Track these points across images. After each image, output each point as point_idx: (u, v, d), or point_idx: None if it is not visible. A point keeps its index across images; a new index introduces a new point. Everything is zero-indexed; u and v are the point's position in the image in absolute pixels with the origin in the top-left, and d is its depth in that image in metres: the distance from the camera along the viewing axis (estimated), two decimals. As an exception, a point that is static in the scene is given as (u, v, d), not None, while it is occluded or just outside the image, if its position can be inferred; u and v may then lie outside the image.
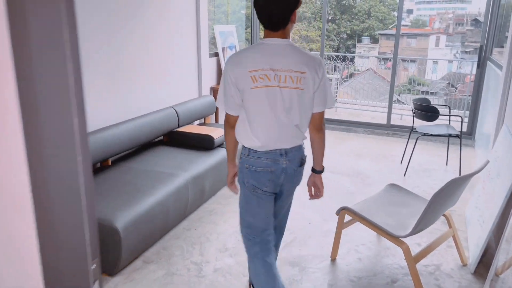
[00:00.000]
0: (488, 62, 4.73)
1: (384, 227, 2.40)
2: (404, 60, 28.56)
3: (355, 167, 4.30)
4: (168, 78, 3.95)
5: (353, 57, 29.72)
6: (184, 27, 4.13)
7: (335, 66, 8.82)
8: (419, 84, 20.91)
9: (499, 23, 4.67)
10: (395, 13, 31.34)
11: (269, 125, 1.83)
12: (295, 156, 1.92)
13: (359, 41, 28.88)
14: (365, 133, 5.47)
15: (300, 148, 1.94)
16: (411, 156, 4.17)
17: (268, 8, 1.74)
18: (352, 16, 28.78)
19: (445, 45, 29.51)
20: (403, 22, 38.03)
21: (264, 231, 1.99)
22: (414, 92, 16.85)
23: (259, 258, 1.96)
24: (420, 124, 4.30)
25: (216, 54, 4.80)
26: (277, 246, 2.24)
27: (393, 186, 2.95)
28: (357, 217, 2.53)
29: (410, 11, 45.29)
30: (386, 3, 30.11)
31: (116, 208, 2.46)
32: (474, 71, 5.30)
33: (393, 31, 29.54)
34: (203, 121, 4.45)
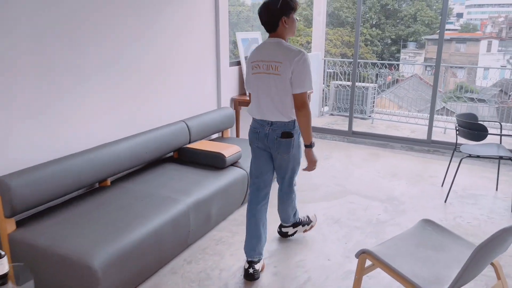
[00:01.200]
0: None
1: (412, 280, 1.91)
2: (453, 67, 27.12)
3: (388, 190, 3.78)
4: (182, 90, 3.62)
5: (398, 64, 28.63)
6: (202, 33, 3.80)
7: (377, 73, 8.20)
8: (468, 91, 19.64)
9: None
10: (443, 17, 29.82)
11: (259, 101, 2.39)
12: (278, 128, 2.36)
13: (404, 46, 27.68)
14: (403, 149, 4.90)
15: (285, 124, 2.36)
16: (453, 179, 3.59)
17: (260, 17, 2.37)
18: (398, 21, 27.66)
19: (498, 50, 27.71)
20: (452, 27, 36.27)
21: (257, 177, 2.54)
22: (462, 99, 15.78)
23: (250, 204, 2.56)
24: (466, 142, 3.72)
25: (238, 63, 4.43)
26: (283, 200, 2.75)
27: (427, 222, 2.44)
28: (380, 263, 2.06)
29: (460, 15, 43.14)
30: (434, 7, 28.74)
31: (97, 242, 2.13)
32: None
33: (440, 36, 28.11)
34: (221, 135, 4.09)
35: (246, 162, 3.35)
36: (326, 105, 6.90)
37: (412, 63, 28.72)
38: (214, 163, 3.22)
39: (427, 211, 3.37)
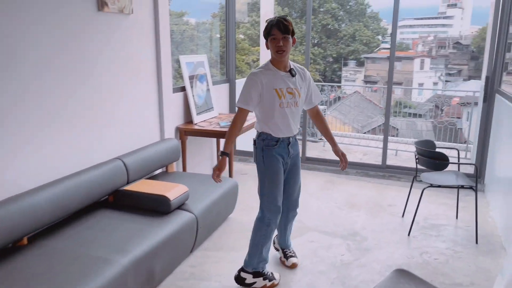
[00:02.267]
0: (497, 95, 4.03)
1: None
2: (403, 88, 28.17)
3: (349, 224, 3.50)
4: (118, 122, 3.15)
5: (340, 81, 29.41)
6: (140, 59, 3.36)
7: (321, 88, 8.02)
8: (406, 106, 20.40)
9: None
10: (380, 37, 31.22)
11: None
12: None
13: (345, 64, 28.54)
14: (358, 174, 4.69)
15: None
16: (416, 211, 3.37)
17: None
18: (338, 40, 28.50)
19: (430, 68, 29.31)
20: (385, 45, 38.04)
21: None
22: (401, 114, 16.31)
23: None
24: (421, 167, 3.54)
25: (183, 89, 4.02)
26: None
27: (401, 273, 2.14)
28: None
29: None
30: (371, 27, 29.98)
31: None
32: (457, 94, 4.58)
33: (378, 55, 29.30)
34: (165, 169, 3.63)
35: (194, 203, 2.93)
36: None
37: (353, 83, 29.62)
38: (157, 207, 2.76)
39: (392, 247, 3.11)
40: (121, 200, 2.87)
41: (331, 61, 28.51)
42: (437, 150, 3.37)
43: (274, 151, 2.49)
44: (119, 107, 3.14)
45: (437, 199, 4.03)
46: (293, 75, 2.46)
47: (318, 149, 5.97)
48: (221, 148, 2.59)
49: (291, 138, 2.55)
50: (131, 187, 2.90)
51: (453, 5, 45.42)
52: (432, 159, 3.25)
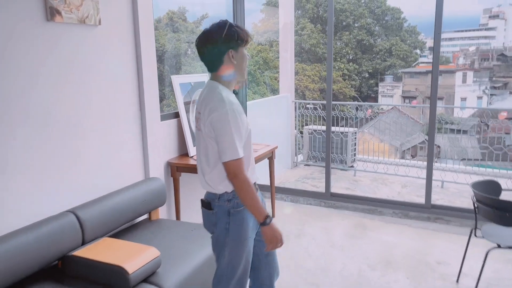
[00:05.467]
0: None
1: None
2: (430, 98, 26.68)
3: (382, 292, 2.58)
4: (82, 162, 2.42)
5: (377, 97, 28.09)
6: (116, 78, 2.65)
7: (357, 107, 7.08)
8: (447, 122, 18.91)
9: None
10: (418, 51, 29.75)
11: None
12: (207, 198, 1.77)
13: (382, 79, 27.26)
14: (396, 215, 3.74)
15: (210, 194, 1.75)
16: (478, 280, 2.41)
17: (199, 50, 1.72)
18: (373, 55, 27.36)
19: (473, 81, 27.46)
20: (425, 60, 36.37)
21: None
22: (442, 131, 14.93)
23: None
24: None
25: (176, 115, 3.27)
26: None
27: None
28: None
29: (431, 49, 43.53)
30: (408, 41, 28.63)
31: None
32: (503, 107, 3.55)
33: (416, 69, 27.81)
34: (148, 217, 2.87)
35: (169, 271, 2.13)
36: (300, 153, 5.77)
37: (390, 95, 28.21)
38: (112, 281, 1.98)
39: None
40: (69, 268, 2.12)
41: (367, 76, 27.33)
42: (503, 191, 2.43)
43: (247, 213, 1.69)
44: (84, 143, 2.42)
45: (504, 255, 3.02)
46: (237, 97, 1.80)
47: (348, 179, 5.05)
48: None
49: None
50: (84, 251, 2.13)
51: (495, 16, 43.11)
52: (498, 209, 2.30)
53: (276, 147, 3.70)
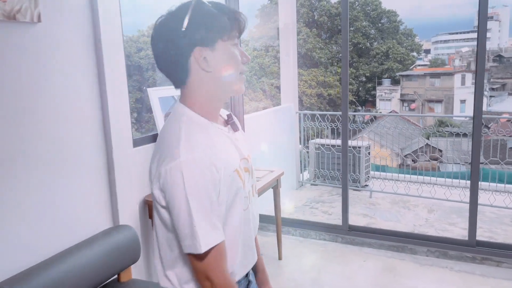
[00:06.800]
0: None
1: None
2: (430, 101, 26.03)
3: None
4: (18, 213, 1.68)
5: (375, 101, 27.50)
6: (66, 93, 1.91)
7: (354, 115, 6.37)
8: (447, 125, 18.25)
9: None
10: (414, 54, 29.19)
11: None
12: None
13: (380, 83, 26.66)
14: (431, 255, 3.00)
15: None
16: None
17: (156, 57, 0.99)
18: (370, 59, 26.79)
19: (472, 83, 26.92)
20: (421, 62, 35.91)
21: None
22: (444, 134, 14.26)
23: None
24: None
25: (155, 138, 2.54)
26: None
27: None
28: None
29: (427, 51, 43.19)
30: (404, 44, 28.13)
31: None
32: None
33: (414, 72, 27.24)
34: (116, 278, 2.12)
35: None
36: (306, 170, 5.05)
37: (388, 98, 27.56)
38: None
39: None
40: None
41: (364, 80, 26.75)
42: None
43: None
44: (21, 187, 1.68)
45: None
46: (234, 129, 1.07)
47: (363, 201, 4.31)
48: None
49: (250, 274, 1.11)
50: None
51: (489, 18, 42.92)
52: None
53: (282, 174, 2.97)
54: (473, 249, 2.87)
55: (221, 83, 0.95)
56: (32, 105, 1.74)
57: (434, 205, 4.10)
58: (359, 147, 4.55)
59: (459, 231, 3.41)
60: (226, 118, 1.04)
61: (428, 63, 38.57)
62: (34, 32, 1.76)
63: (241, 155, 1.00)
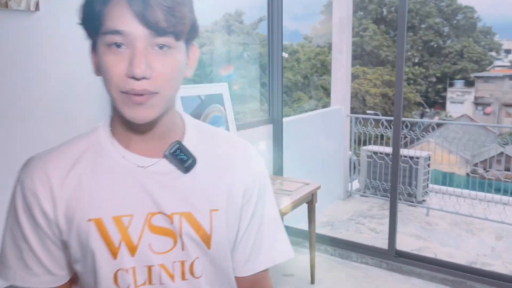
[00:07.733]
0: None
1: None
2: (508, 105, 23.72)
3: None
4: None
5: (445, 103, 25.65)
6: (69, 92, 1.72)
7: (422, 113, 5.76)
8: (527, 134, 16.51)
9: None
10: (493, 53, 26.80)
11: None
12: None
13: (451, 84, 24.80)
14: (496, 294, 2.48)
15: None
16: None
17: None
18: (442, 58, 25.00)
19: (559, 87, 24.16)
20: (500, 63, 32.94)
21: None
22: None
23: None
24: None
25: (175, 142, 2.30)
26: None
27: None
28: None
29: (508, 51, 39.59)
30: (482, 43, 25.92)
31: None
32: None
33: (492, 73, 24.99)
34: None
35: None
36: (356, 179, 4.60)
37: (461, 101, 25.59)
38: None
39: None
40: None
41: (434, 81, 25.01)
42: None
43: None
44: None
45: None
46: (187, 168, 0.71)
47: (418, 220, 3.80)
48: None
49: None
50: None
51: None
52: None
53: (319, 187, 2.60)
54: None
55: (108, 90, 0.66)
56: (29, 104, 1.56)
57: (504, 230, 3.48)
58: (417, 158, 4.01)
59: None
60: (171, 149, 0.71)
61: (509, 64, 35.34)
62: (31, 22, 1.57)
63: (154, 207, 0.68)
